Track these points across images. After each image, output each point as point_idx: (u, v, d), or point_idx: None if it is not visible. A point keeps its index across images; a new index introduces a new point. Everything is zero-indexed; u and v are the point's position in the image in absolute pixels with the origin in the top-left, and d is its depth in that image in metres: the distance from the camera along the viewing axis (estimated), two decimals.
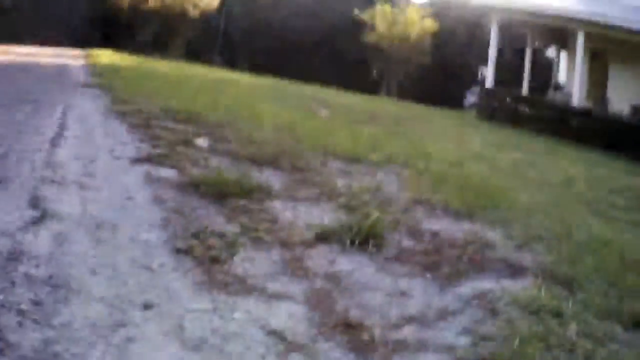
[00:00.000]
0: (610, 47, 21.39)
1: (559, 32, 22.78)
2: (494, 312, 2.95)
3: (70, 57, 20.76)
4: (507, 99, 21.43)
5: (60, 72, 13.48)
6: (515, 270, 3.54)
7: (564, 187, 7.84)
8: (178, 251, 3.23)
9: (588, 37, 19.88)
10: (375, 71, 40.47)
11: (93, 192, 3.90)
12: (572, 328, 2.81)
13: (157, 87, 10.59)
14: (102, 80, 11.13)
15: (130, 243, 3.25)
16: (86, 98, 8.24)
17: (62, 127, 5.65)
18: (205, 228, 3.57)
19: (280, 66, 51.19)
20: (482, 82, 38.35)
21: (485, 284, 3.30)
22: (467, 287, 3.23)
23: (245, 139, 5.98)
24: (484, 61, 47.18)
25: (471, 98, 41.46)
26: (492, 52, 23.10)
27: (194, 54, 42.18)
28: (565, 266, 3.61)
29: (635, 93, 21.02)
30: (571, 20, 19.98)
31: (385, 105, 18.41)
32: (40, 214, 3.35)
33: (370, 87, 43.39)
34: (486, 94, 21.85)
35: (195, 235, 3.44)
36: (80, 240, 3.13)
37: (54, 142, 4.99)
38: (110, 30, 38.49)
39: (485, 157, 8.70)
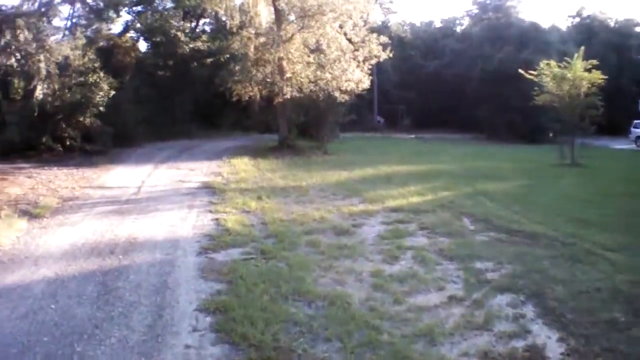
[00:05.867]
0: None
1: None
2: None
3: (188, 201, 15.69)
4: None
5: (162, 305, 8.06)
6: None
7: None
8: None
9: None
10: (550, 132, 36.32)
11: None
12: None
13: None
14: None
15: None
16: None
17: None
18: None
19: (442, 119, 52.67)
20: None
21: None
22: None
23: None
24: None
25: (636, 130, 43.76)
26: None
27: (346, 127, 37.43)
28: None
29: None
30: None
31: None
32: None
33: (539, 138, 40.49)
34: None
35: None
36: None
37: None
38: (243, 117, 35.43)
39: None
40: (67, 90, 24.40)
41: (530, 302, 8.28)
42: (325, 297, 8.24)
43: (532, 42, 47.44)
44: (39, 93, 23.07)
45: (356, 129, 38.42)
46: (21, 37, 21.64)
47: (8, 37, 21.72)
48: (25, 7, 22.29)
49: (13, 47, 21.91)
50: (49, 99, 23.62)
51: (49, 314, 7.79)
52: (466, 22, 63.29)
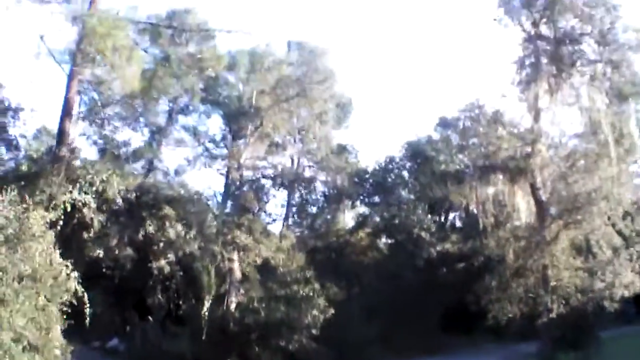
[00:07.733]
0: None
1: None
2: None
3: None
4: None
5: None
6: None
7: None
8: None
9: None
10: None
11: None
12: None
13: None
14: None
15: None
16: None
17: None
18: None
19: None
20: None
21: None
22: None
23: None
24: None
25: None
26: None
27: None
28: None
29: None
30: None
31: None
32: None
33: None
34: None
35: None
36: None
37: None
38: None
39: None
40: (264, 305, 19.47)
41: None
42: None
43: None
44: (208, 303, 18.90)
45: None
46: (170, 232, 16.77)
47: (151, 229, 16.90)
48: (182, 191, 17.39)
49: (162, 244, 17.13)
50: (237, 314, 18.88)
51: None
52: None
